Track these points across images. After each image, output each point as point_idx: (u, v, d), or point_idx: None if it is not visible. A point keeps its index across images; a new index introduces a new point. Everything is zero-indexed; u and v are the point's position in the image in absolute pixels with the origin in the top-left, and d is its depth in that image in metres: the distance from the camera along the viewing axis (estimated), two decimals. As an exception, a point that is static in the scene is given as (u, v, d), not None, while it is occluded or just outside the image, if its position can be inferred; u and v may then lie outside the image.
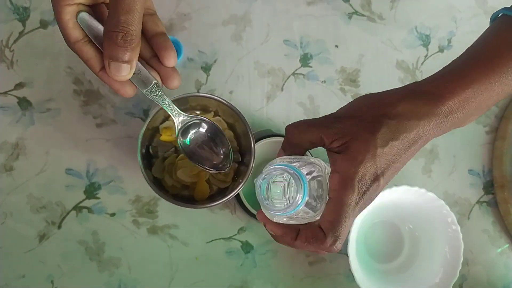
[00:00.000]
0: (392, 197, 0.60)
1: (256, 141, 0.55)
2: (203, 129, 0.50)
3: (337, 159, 0.39)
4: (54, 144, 0.61)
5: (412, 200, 0.61)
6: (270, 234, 0.43)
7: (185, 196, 0.58)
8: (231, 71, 0.65)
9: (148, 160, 0.57)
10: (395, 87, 0.42)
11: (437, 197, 0.60)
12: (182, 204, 0.52)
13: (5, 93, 0.61)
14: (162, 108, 0.46)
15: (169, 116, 0.47)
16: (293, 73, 0.66)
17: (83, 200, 0.61)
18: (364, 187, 0.37)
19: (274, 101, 0.65)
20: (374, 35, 0.68)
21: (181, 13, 0.64)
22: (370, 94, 0.42)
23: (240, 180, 0.53)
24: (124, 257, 0.61)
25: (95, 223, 0.60)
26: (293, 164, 0.38)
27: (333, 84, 0.67)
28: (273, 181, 0.39)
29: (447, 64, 0.42)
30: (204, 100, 0.55)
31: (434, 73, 0.41)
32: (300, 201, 0.36)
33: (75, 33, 0.40)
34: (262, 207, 0.41)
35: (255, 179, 0.40)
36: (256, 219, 0.57)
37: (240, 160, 0.58)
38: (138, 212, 0.61)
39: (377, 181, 0.38)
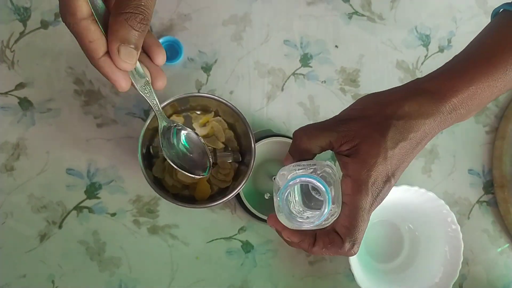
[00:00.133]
0: (392, 197, 0.60)
1: (256, 141, 0.55)
2: (184, 135, 0.48)
3: (348, 163, 0.39)
4: (55, 144, 0.61)
5: (412, 199, 0.61)
6: (286, 241, 0.42)
7: (186, 196, 0.58)
8: (231, 71, 0.65)
9: (149, 160, 0.57)
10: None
11: (437, 196, 0.60)
12: (182, 204, 0.52)
13: (6, 93, 0.61)
14: (162, 108, 0.46)
15: (169, 116, 0.47)
16: (293, 73, 0.66)
17: (84, 200, 0.61)
18: (377, 189, 0.38)
19: (274, 101, 0.65)
20: (374, 35, 0.68)
21: (181, 14, 0.64)
22: (372, 94, 0.42)
23: (241, 180, 0.53)
24: (124, 256, 0.61)
25: (96, 223, 0.61)
26: (311, 172, 0.37)
27: (333, 84, 0.67)
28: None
29: (449, 60, 0.42)
30: (205, 100, 0.55)
31: (436, 69, 0.41)
32: (325, 211, 0.36)
33: (84, 8, 0.34)
34: (282, 218, 0.39)
35: (278, 193, 0.38)
36: (257, 218, 0.57)
37: (241, 160, 0.58)
38: (139, 211, 0.61)
39: (389, 182, 0.38)
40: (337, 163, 0.42)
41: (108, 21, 0.35)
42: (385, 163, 0.38)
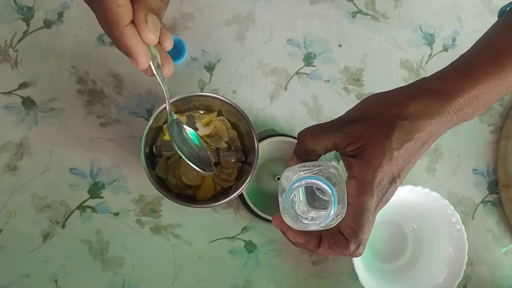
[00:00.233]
0: (395, 197, 0.59)
1: (260, 140, 0.55)
2: (189, 132, 0.50)
3: (353, 164, 0.39)
4: (58, 144, 0.61)
5: (416, 199, 0.61)
6: (291, 241, 0.42)
7: (189, 196, 0.58)
8: (235, 70, 0.65)
9: (152, 159, 0.57)
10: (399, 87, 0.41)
11: (441, 196, 0.60)
12: (185, 203, 0.52)
13: (9, 92, 0.61)
14: (165, 108, 0.46)
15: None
16: (297, 73, 0.66)
17: (87, 200, 0.61)
18: (382, 190, 0.38)
19: (278, 101, 0.65)
20: (378, 34, 0.68)
21: (185, 13, 0.64)
22: (377, 94, 0.42)
23: (244, 180, 0.53)
24: (127, 256, 0.61)
25: (99, 222, 0.61)
26: (316, 173, 0.37)
27: (337, 84, 0.66)
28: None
29: (455, 59, 0.42)
30: (208, 100, 0.55)
31: (441, 68, 0.41)
32: (331, 212, 0.36)
33: None
34: (287, 219, 0.39)
35: (283, 195, 0.38)
36: (260, 218, 0.57)
37: (244, 159, 0.58)
38: (142, 211, 0.61)
39: (394, 183, 0.38)
40: (341, 162, 0.42)
41: None
42: (390, 164, 0.37)
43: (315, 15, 0.67)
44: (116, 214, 0.61)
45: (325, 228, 0.39)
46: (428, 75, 0.41)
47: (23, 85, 0.61)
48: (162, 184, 0.56)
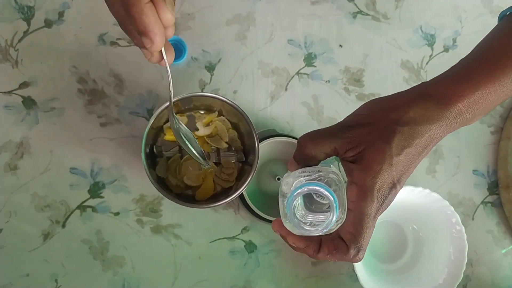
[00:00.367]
0: (396, 198, 0.59)
1: (260, 140, 0.55)
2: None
3: (353, 169, 0.39)
4: (59, 143, 0.61)
5: (416, 200, 0.61)
6: (291, 246, 0.42)
7: (189, 196, 0.58)
8: (235, 70, 0.65)
9: (152, 159, 0.57)
10: (399, 87, 0.41)
11: (441, 197, 0.60)
12: (186, 203, 0.52)
13: (10, 92, 0.61)
14: (166, 108, 0.46)
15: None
16: (297, 73, 0.66)
17: (87, 199, 0.61)
18: (382, 196, 0.38)
19: (278, 101, 0.65)
20: (379, 35, 0.68)
21: (185, 13, 0.64)
22: (377, 99, 0.41)
23: (244, 180, 0.53)
24: (128, 256, 0.61)
25: (99, 222, 0.61)
26: (316, 179, 0.37)
27: (337, 84, 0.66)
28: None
29: (455, 64, 0.42)
30: (208, 100, 0.55)
31: (441, 73, 0.41)
32: (333, 219, 0.36)
33: None
34: (288, 225, 0.39)
35: (285, 202, 0.38)
36: (260, 218, 0.57)
37: (244, 159, 0.58)
38: (142, 211, 0.61)
39: (394, 189, 0.38)
40: (341, 167, 0.41)
41: None
42: (390, 169, 0.37)
43: (315, 16, 0.67)
44: (117, 214, 0.61)
45: (326, 233, 0.39)
46: (428, 76, 0.41)
47: (24, 85, 0.61)
48: (162, 184, 0.56)
